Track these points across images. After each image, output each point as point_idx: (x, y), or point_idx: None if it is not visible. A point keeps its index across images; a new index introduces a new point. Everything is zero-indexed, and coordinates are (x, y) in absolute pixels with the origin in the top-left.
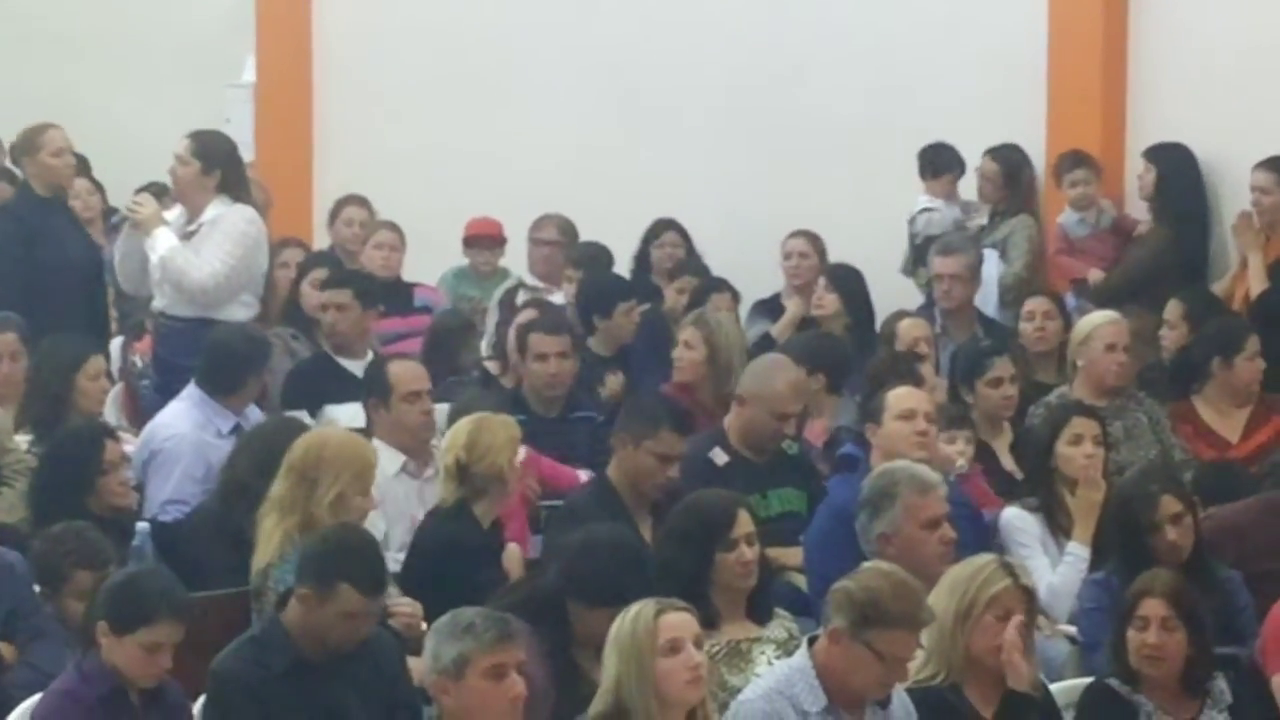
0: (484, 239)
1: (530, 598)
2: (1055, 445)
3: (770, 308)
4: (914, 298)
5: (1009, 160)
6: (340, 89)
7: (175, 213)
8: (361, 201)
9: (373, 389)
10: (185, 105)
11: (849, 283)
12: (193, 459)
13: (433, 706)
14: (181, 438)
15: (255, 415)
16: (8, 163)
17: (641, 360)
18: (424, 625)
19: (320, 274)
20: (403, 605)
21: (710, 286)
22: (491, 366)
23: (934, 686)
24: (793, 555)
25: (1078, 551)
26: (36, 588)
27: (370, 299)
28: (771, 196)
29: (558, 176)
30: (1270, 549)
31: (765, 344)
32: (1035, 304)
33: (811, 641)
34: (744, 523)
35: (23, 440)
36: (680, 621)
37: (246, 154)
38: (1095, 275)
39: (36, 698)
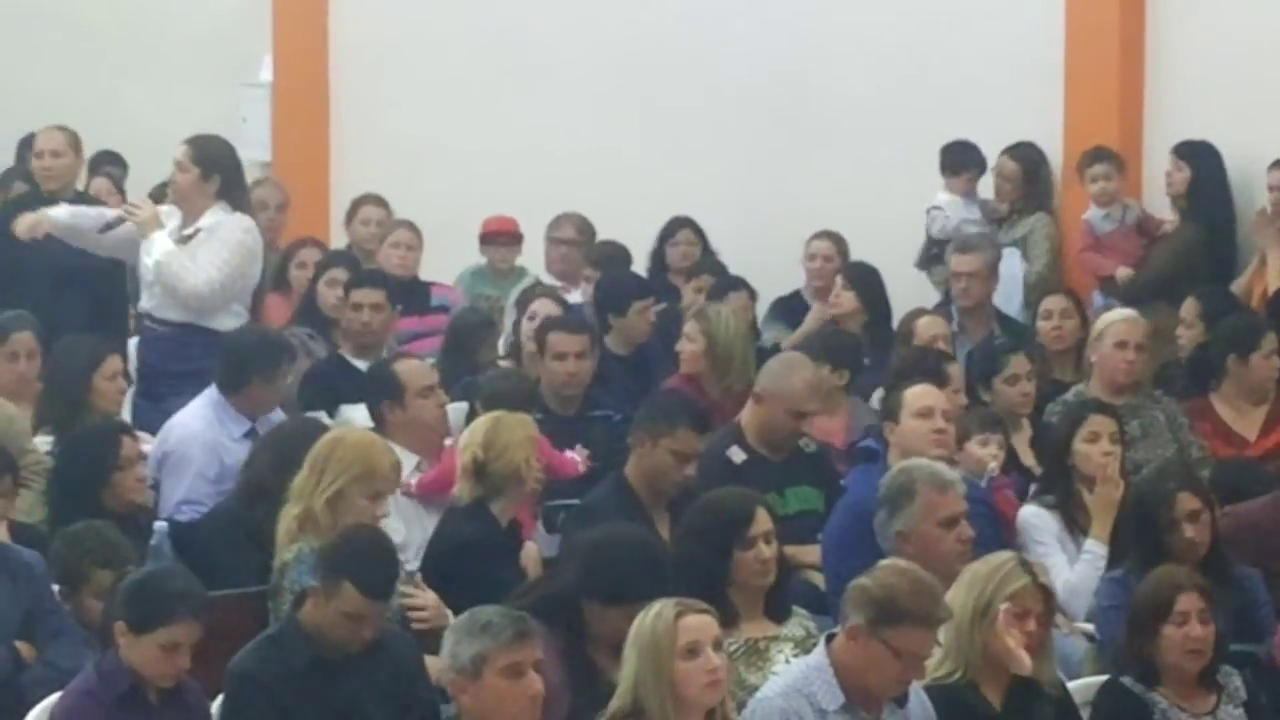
0: (500, 236)
1: (546, 596)
2: (1072, 443)
3: (790, 305)
4: (932, 295)
5: (1027, 159)
6: (357, 88)
7: (172, 217)
8: (378, 201)
9: (384, 390)
10: (201, 104)
11: (866, 281)
12: (206, 459)
13: (451, 705)
14: (193, 438)
15: (275, 416)
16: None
17: (659, 359)
18: (450, 615)
19: (338, 273)
20: (419, 601)
21: (727, 285)
22: (508, 365)
23: (951, 684)
24: (810, 553)
25: (1095, 549)
26: (55, 587)
27: (394, 299)
28: (788, 194)
29: (575, 175)
30: None
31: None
32: (1053, 302)
33: (829, 639)
34: (762, 521)
35: (42, 441)
36: (700, 624)
37: (263, 153)
38: (1124, 273)
39: (55, 697)
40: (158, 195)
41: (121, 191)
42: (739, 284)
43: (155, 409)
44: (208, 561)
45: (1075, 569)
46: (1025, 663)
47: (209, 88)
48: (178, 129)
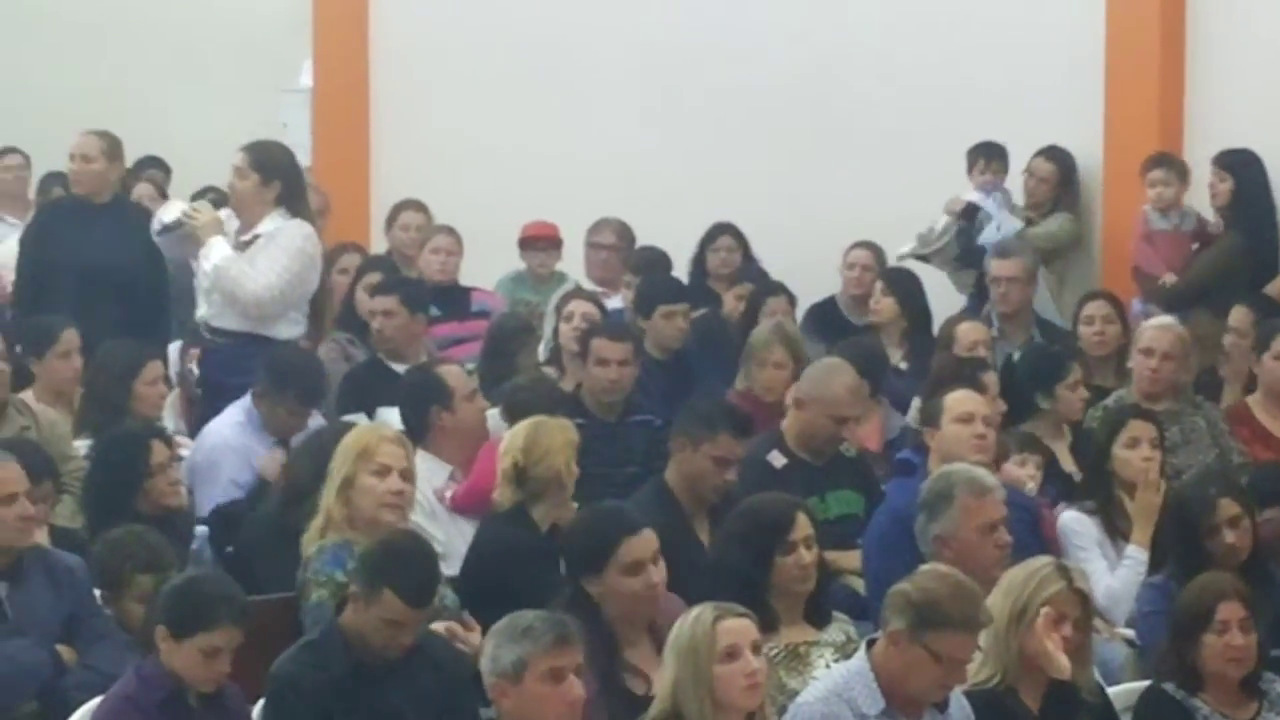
0: (539, 241)
1: (575, 600)
2: (1113, 448)
3: (824, 313)
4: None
5: (1063, 161)
6: (398, 93)
7: (231, 223)
8: (419, 206)
9: (432, 395)
10: (243, 109)
11: (905, 286)
12: (237, 466)
13: (491, 708)
14: (224, 445)
15: (315, 420)
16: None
17: (699, 364)
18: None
19: (374, 278)
20: (468, 640)
21: (767, 290)
22: (548, 371)
23: (990, 689)
24: (851, 558)
25: (1136, 555)
26: (97, 591)
27: (418, 304)
28: (827, 198)
29: (616, 180)
30: None
31: None
32: (1095, 308)
33: (870, 644)
34: (803, 525)
35: (82, 446)
36: (739, 628)
37: (303, 158)
38: (1169, 279)
39: (96, 701)
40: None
41: (164, 196)
42: (779, 289)
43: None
44: (248, 565)
45: (1116, 574)
46: (1064, 667)
47: (250, 93)
48: (220, 134)
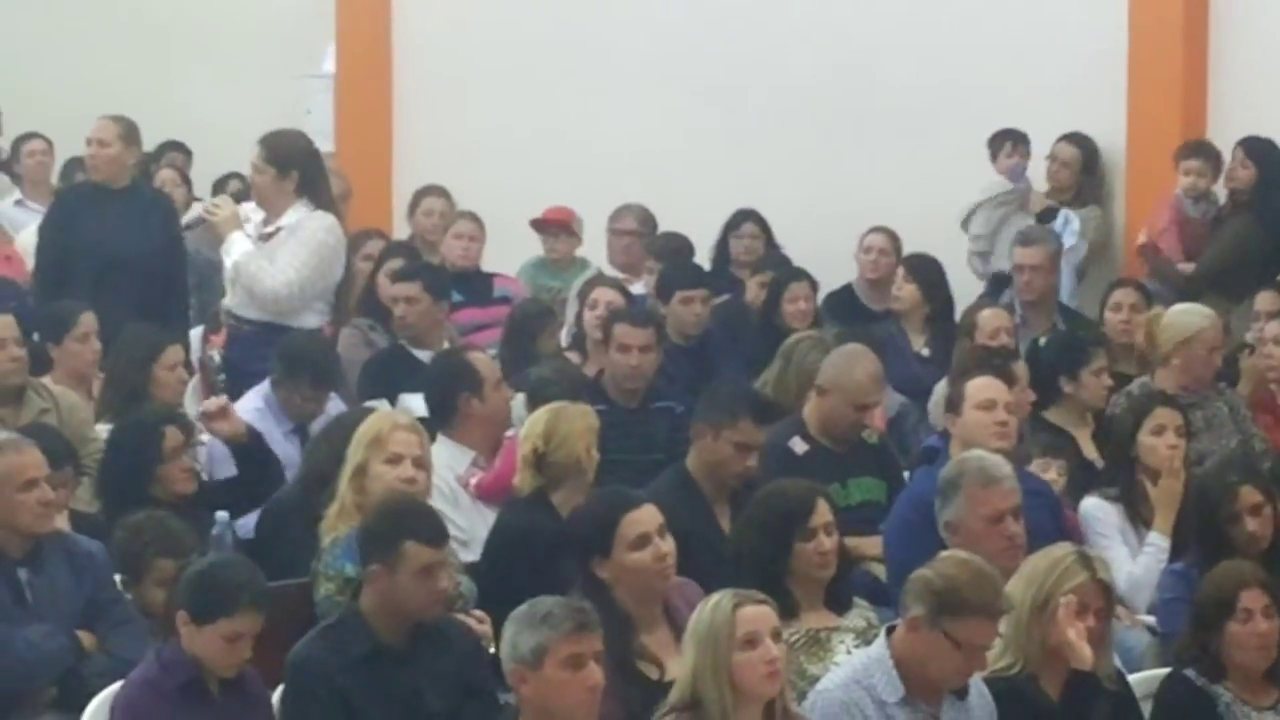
0: (552, 225)
1: (587, 587)
2: (1137, 435)
3: (841, 300)
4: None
5: (1087, 147)
6: (420, 79)
7: (257, 214)
8: (441, 192)
9: (462, 381)
10: (265, 96)
11: (928, 273)
12: None
13: (510, 693)
14: None
15: (337, 406)
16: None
17: (721, 351)
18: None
19: (395, 264)
20: (474, 621)
21: (789, 277)
22: (571, 356)
23: (1010, 676)
24: (872, 544)
25: (1158, 542)
26: (117, 576)
27: (440, 290)
28: (848, 185)
29: (638, 167)
30: None
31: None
32: (1122, 295)
33: (890, 631)
34: (823, 512)
35: (103, 429)
36: (758, 614)
37: (326, 144)
38: (1185, 268)
39: (117, 686)
40: (220, 186)
41: (187, 182)
42: (801, 275)
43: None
44: (268, 549)
45: (1138, 561)
46: (1087, 657)
47: (273, 79)
48: (242, 120)
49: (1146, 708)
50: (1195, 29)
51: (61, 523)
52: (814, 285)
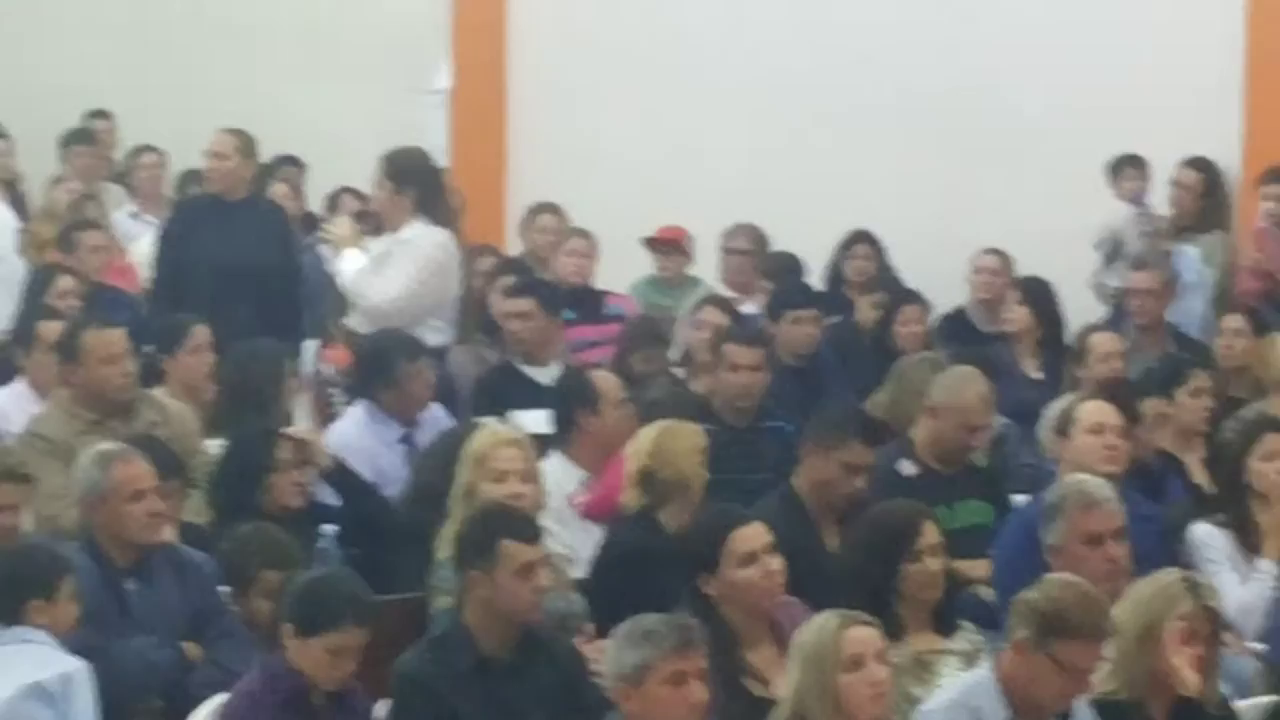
0: (663, 244)
1: (694, 604)
2: (1248, 460)
3: (954, 322)
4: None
5: (1208, 171)
6: (535, 95)
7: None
8: (554, 209)
9: (581, 398)
10: (380, 110)
11: (1040, 296)
12: (361, 465)
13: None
14: (347, 446)
15: (441, 423)
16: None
17: (831, 371)
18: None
19: (508, 281)
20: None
21: (902, 298)
22: (681, 374)
23: (1117, 701)
24: (979, 567)
25: (1268, 569)
26: (223, 588)
27: (555, 307)
28: (963, 208)
29: (751, 186)
30: None
31: None
32: (1229, 320)
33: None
34: (930, 534)
35: (214, 445)
36: (864, 636)
37: (440, 159)
38: None
39: (221, 697)
40: (333, 200)
41: (300, 195)
42: (913, 297)
43: None
44: (377, 563)
45: (1248, 588)
46: (1194, 683)
47: (388, 94)
48: (356, 135)
49: None
50: None
51: (170, 535)
52: (926, 307)
